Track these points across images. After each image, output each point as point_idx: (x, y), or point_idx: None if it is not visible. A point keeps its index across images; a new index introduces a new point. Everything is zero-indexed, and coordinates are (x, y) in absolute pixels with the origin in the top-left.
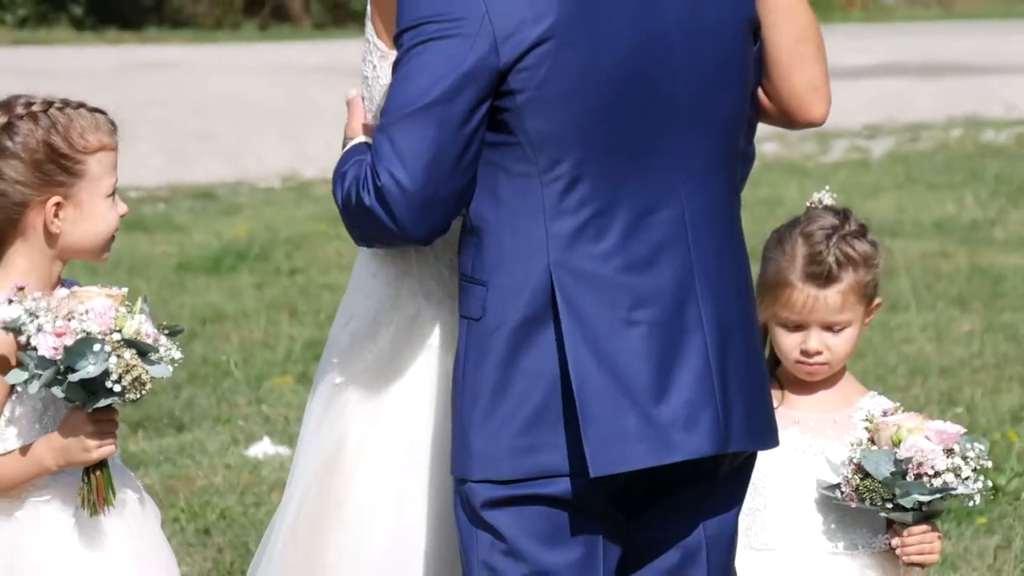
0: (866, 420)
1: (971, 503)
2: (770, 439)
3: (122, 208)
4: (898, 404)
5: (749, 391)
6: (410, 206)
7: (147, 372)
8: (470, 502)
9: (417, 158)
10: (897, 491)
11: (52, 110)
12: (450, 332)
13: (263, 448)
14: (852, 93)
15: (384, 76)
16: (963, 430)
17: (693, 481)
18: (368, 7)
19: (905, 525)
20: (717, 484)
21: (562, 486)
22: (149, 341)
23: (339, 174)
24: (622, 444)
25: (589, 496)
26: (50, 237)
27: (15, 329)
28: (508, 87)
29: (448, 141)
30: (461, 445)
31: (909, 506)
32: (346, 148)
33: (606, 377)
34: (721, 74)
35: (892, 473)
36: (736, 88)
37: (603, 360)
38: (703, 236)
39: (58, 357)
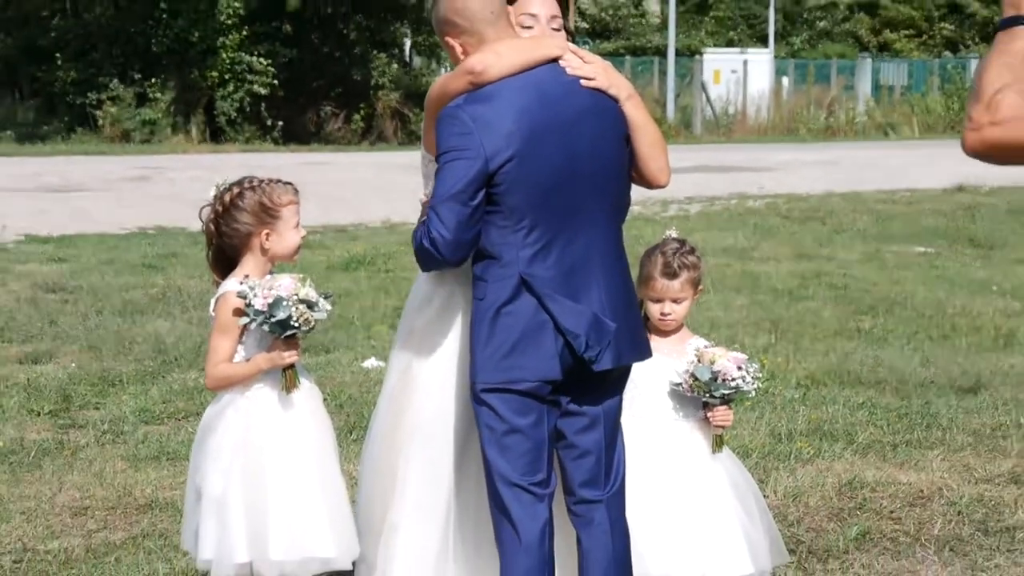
0: (696, 351)
1: (751, 395)
2: (645, 353)
3: (302, 233)
4: (710, 342)
5: (631, 331)
6: (447, 246)
7: (312, 317)
8: (476, 392)
9: (449, 221)
10: (712, 388)
11: (263, 184)
12: (467, 306)
13: (371, 362)
14: (678, 180)
15: (433, 175)
16: (746, 357)
17: (599, 379)
18: (423, 137)
19: (714, 406)
20: (611, 380)
21: (524, 385)
22: (313, 300)
23: (415, 232)
24: (564, 360)
25: (540, 389)
26: (263, 251)
27: (243, 296)
28: (494, 182)
29: (465, 212)
30: (472, 364)
31: (717, 396)
32: (420, 218)
33: (551, 321)
34: (611, 166)
35: (709, 378)
36: (621, 173)
37: (559, 311)
38: (601, 254)
39: (264, 309)
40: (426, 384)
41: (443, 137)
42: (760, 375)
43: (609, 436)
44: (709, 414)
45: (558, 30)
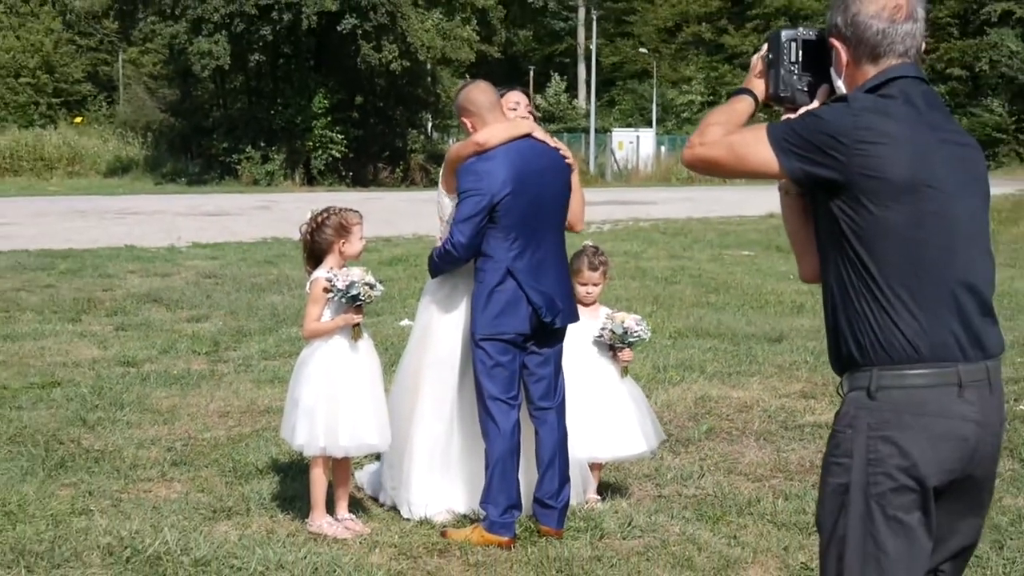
0: (607, 315)
1: (645, 341)
2: (575, 318)
3: (364, 242)
4: (613, 309)
5: (570, 304)
6: (463, 249)
7: (372, 294)
8: (475, 340)
9: (465, 235)
10: (623, 338)
11: (341, 210)
12: (466, 290)
13: (405, 322)
14: (594, 210)
15: (446, 205)
16: (640, 317)
17: (551, 333)
18: (441, 181)
19: (621, 349)
20: (558, 334)
21: (506, 336)
22: (371, 281)
23: (432, 251)
24: (532, 321)
25: (515, 339)
26: (341, 253)
27: (330, 280)
28: (495, 210)
29: (475, 230)
30: (472, 322)
31: (626, 342)
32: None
33: (525, 295)
34: (562, 203)
35: (622, 332)
36: (566, 206)
37: (529, 289)
38: (555, 255)
39: (344, 288)
40: (440, 336)
41: (462, 182)
42: (649, 330)
43: (556, 368)
44: (619, 354)
45: (528, 115)
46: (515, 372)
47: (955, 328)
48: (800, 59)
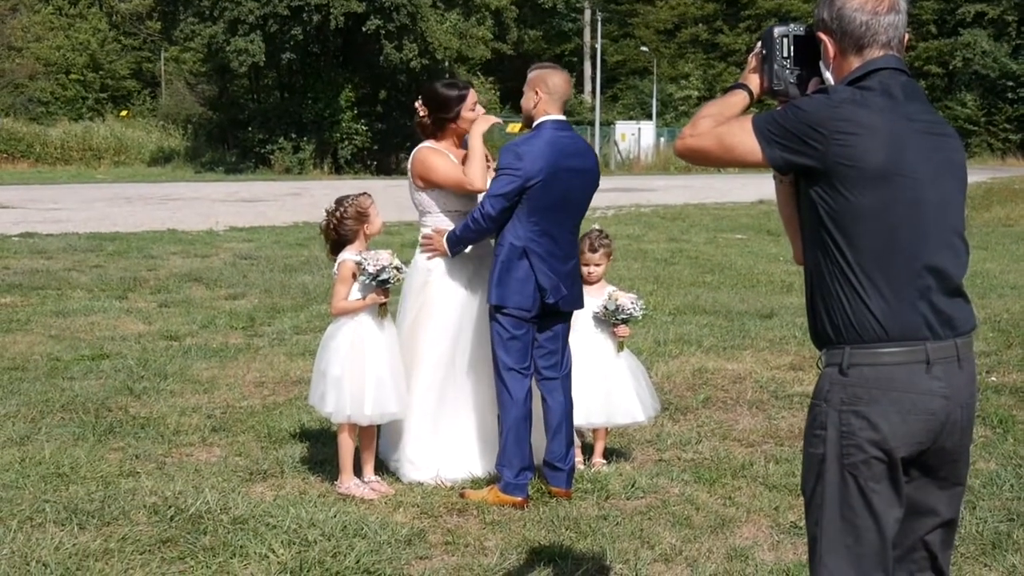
0: (608, 293)
1: (639, 319)
2: (581, 305)
3: (382, 219)
4: (615, 288)
5: (576, 290)
6: (491, 221)
7: (400, 276)
8: (493, 311)
9: (495, 208)
10: (616, 315)
11: (354, 199)
12: (487, 256)
13: None
14: (600, 197)
15: (423, 200)
16: (635, 296)
17: (559, 314)
18: (410, 178)
19: (618, 324)
20: (564, 313)
21: (519, 312)
22: (399, 265)
23: (463, 222)
24: (540, 299)
25: (528, 315)
26: (365, 236)
27: (359, 263)
28: (526, 192)
29: (504, 205)
30: (491, 293)
31: (619, 319)
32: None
33: (537, 276)
34: (585, 203)
35: (614, 309)
36: (585, 208)
37: (541, 272)
38: (570, 244)
39: (374, 272)
40: (436, 310)
41: (503, 159)
42: (644, 308)
43: (563, 342)
44: (615, 330)
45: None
46: (528, 344)
47: (923, 309)
48: (792, 54)
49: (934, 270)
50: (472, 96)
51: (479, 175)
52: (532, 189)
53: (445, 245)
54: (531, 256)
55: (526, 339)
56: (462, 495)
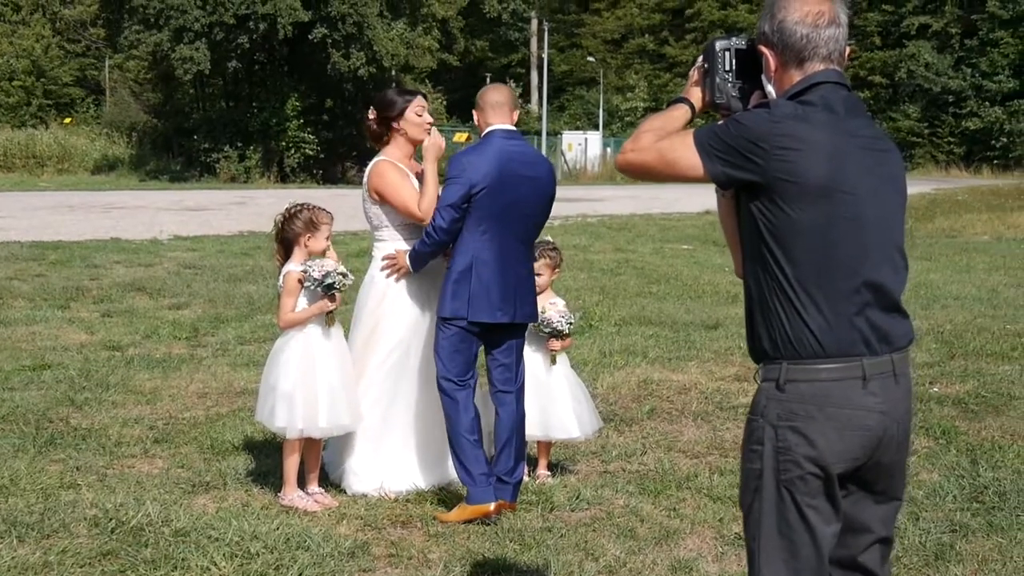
0: (541, 309)
1: (566, 332)
2: (535, 318)
3: (328, 243)
4: (557, 299)
5: (528, 302)
6: (443, 232)
7: (345, 283)
8: (440, 322)
9: (444, 219)
10: (543, 328)
11: (315, 208)
12: (422, 279)
13: None
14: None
15: (376, 213)
16: (565, 310)
17: (513, 329)
18: (365, 191)
19: (551, 338)
20: (520, 328)
21: (465, 324)
22: (344, 271)
23: (426, 233)
24: (490, 313)
25: (471, 327)
26: (306, 247)
27: (305, 271)
28: (473, 199)
29: (454, 215)
30: (439, 304)
31: (546, 332)
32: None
33: (487, 289)
34: (537, 215)
35: (541, 321)
36: (541, 222)
37: (491, 284)
38: (524, 256)
39: (319, 278)
40: (389, 324)
41: (449, 169)
42: (574, 322)
43: (517, 356)
44: (547, 343)
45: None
46: (471, 357)
47: (861, 325)
48: (733, 67)
49: (873, 286)
50: (420, 100)
51: (430, 211)
52: (479, 196)
53: (407, 261)
54: (481, 266)
55: (469, 352)
56: (435, 518)
